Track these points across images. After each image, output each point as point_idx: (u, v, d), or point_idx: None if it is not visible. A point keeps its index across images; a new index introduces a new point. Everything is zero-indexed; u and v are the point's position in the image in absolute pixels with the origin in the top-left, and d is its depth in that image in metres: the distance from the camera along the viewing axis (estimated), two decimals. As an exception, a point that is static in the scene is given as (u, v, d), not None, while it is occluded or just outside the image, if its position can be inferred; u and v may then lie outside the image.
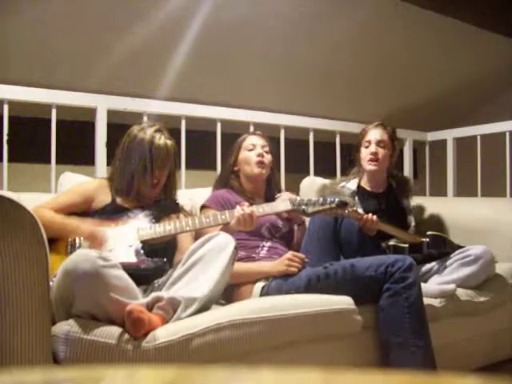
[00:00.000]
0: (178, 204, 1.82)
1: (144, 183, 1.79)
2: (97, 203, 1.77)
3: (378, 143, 2.28)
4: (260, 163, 2.10)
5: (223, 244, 1.53)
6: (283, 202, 1.82)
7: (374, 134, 2.30)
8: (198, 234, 1.86)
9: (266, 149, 2.15)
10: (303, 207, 1.76)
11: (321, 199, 1.76)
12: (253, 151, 2.12)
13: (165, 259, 1.61)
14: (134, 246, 1.63)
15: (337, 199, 1.77)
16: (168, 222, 1.70)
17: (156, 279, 1.63)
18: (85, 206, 1.75)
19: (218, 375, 0.38)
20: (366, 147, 2.30)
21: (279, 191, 2.20)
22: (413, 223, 2.38)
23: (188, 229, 1.70)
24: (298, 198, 1.82)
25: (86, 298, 1.24)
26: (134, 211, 1.76)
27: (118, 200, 1.79)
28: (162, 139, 1.79)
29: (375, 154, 2.27)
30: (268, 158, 2.14)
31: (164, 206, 1.81)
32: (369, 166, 2.29)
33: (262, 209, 1.77)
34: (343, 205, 1.78)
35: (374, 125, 2.33)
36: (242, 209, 1.73)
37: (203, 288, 1.43)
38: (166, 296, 1.36)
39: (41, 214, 1.63)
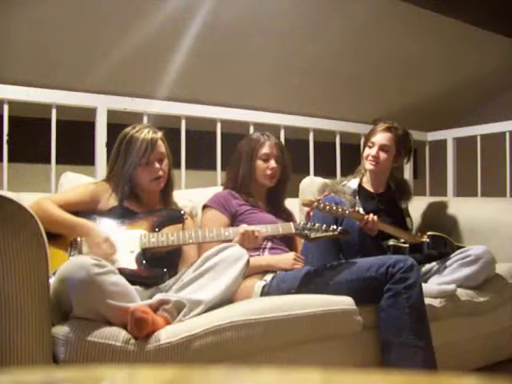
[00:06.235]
0: (183, 214, 1.82)
1: (147, 178, 1.80)
2: (102, 205, 1.76)
3: (382, 147, 2.28)
4: (271, 177, 2.12)
5: (238, 255, 1.55)
6: (287, 226, 1.86)
7: (380, 137, 2.29)
8: (200, 246, 1.85)
9: (279, 159, 2.14)
10: (306, 232, 1.80)
11: (324, 226, 1.80)
12: (267, 162, 2.11)
13: (165, 269, 1.61)
14: (136, 253, 1.63)
15: (339, 227, 1.80)
16: (171, 233, 1.70)
17: (154, 287, 1.63)
18: (91, 206, 1.75)
19: (218, 375, 0.37)
20: (370, 147, 2.31)
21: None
22: (410, 226, 2.39)
23: (191, 241, 1.71)
24: (302, 223, 1.85)
25: (83, 305, 1.25)
26: (139, 215, 1.76)
27: (125, 203, 1.79)
28: (150, 133, 1.81)
29: (376, 157, 2.27)
30: (279, 168, 2.14)
31: (169, 214, 1.82)
32: (368, 165, 2.30)
33: (266, 229, 1.80)
34: (345, 233, 1.82)
35: (383, 127, 2.31)
36: (247, 227, 1.75)
37: (211, 293, 1.44)
38: (173, 299, 1.37)
39: (46, 207, 1.64)
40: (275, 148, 2.14)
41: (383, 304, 1.68)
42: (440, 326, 1.84)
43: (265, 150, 2.12)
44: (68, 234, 1.65)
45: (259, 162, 2.12)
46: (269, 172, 2.11)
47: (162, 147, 1.83)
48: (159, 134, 1.84)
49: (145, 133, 1.80)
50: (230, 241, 1.71)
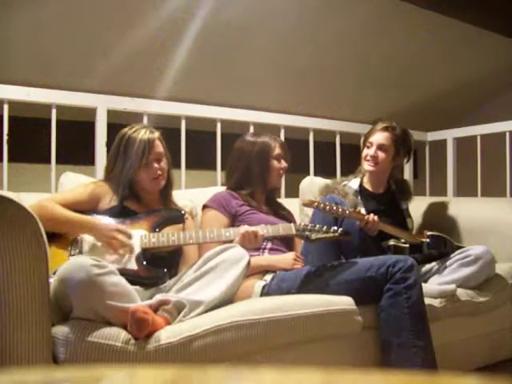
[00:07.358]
0: (183, 214, 1.82)
1: (147, 178, 1.80)
2: (103, 204, 1.76)
3: (380, 146, 2.28)
4: (281, 177, 2.18)
5: (239, 256, 1.55)
6: (287, 227, 1.86)
7: (378, 137, 2.29)
8: (201, 247, 1.85)
9: (287, 158, 2.19)
10: (306, 233, 1.80)
11: (325, 227, 1.80)
12: (279, 162, 2.14)
13: (165, 270, 1.61)
14: (136, 253, 1.63)
15: (340, 229, 1.80)
16: (172, 233, 1.70)
17: (154, 287, 1.63)
18: (90, 206, 1.75)
19: (218, 375, 0.37)
20: (368, 147, 2.31)
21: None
22: (410, 226, 2.38)
23: (191, 242, 1.71)
24: (302, 224, 1.85)
25: (83, 306, 1.25)
26: (139, 215, 1.76)
27: (125, 203, 1.78)
28: (147, 133, 1.80)
29: (374, 157, 2.27)
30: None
31: (169, 214, 1.81)
32: (367, 166, 2.30)
33: (267, 230, 1.80)
34: (346, 234, 1.81)
35: (381, 127, 2.31)
36: (247, 228, 1.75)
37: (211, 294, 1.44)
38: (173, 299, 1.37)
39: (49, 207, 1.63)
40: (283, 148, 2.18)
41: (383, 304, 1.68)
42: (440, 326, 1.84)
43: (277, 150, 2.14)
44: (74, 232, 1.65)
45: (275, 162, 2.13)
46: (281, 172, 2.15)
47: (159, 147, 1.83)
48: (156, 134, 1.83)
49: (142, 133, 1.79)
50: (231, 241, 1.70)
